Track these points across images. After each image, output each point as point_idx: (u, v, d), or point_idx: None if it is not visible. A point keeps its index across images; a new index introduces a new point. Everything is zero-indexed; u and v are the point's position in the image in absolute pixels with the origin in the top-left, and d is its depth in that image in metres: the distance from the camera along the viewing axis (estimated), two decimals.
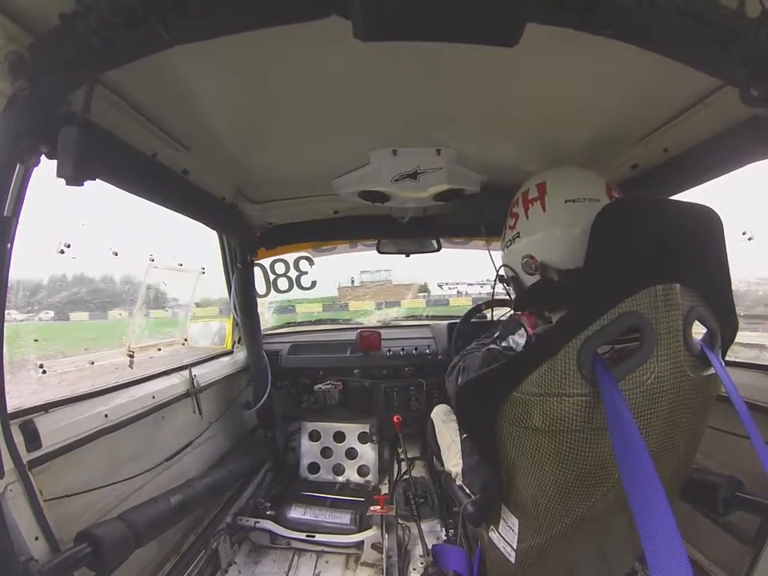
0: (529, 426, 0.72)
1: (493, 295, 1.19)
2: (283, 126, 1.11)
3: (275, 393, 2.12)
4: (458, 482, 1.29)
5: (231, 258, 1.91)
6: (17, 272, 0.80)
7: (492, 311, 1.32)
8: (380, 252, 2.09)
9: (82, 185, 0.74)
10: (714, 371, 0.73)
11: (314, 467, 2.20)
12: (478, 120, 1.10)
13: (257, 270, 2.02)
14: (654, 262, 0.69)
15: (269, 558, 1.65)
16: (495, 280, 1.09)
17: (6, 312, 0.80)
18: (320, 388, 2.22)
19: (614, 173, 1.29)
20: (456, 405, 0.84)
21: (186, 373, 1.64)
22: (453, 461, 1.35)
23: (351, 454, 2.19)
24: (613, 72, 0.87)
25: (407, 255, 2.14)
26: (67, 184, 0.73)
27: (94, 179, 0.77)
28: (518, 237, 0.90)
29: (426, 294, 4.90)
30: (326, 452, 2.21)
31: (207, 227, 1.66)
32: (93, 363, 1.75)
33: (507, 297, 1.50)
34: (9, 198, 0.72)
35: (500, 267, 1.02)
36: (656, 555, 0.48)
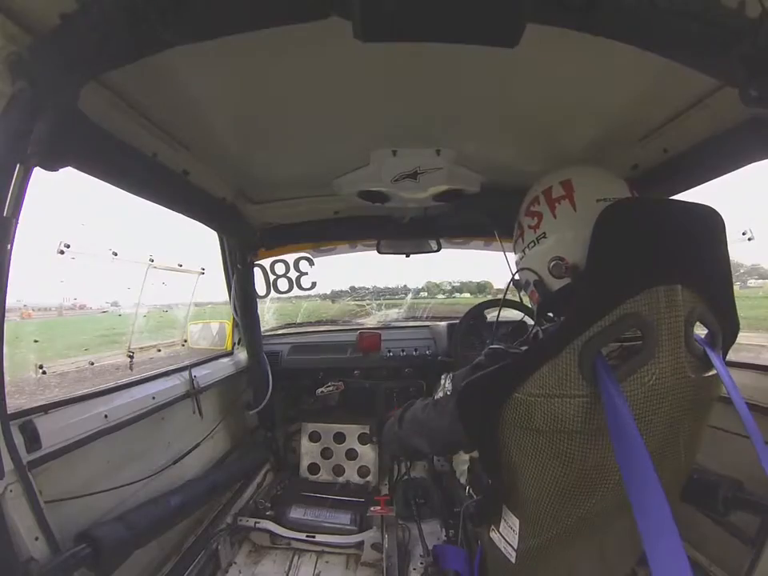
0: (530, 427, 0.72)
1: (504, 295, 1.17)
2: (283, 127, 1.11)
3: (275, 394, 2.12)
4: (462, 480, 1.29)
5: (231, 258, 1.91)
6: None
7: (499, 312, 1.30)
8: (380, 252, 2.09)
9: (56, 170, 0.78)
10: (714, 372, 0.73)
11: (314, 468, 2.20)
12: (478, 120, 1.10)
13: (257, 271, 2.01)
14: (655, 263, 0.68)
15: (269, 559, 1.65)
16: (510, 281, 1.04)
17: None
18: (322, 392, 2.20)
19: (614, 173, 1.29)
20: (457, 406, 0.84)
21: (185, 374, 1.64)
22: (461, 457, 1.34)
23: (351, 454, 2.19)
24: (613, 72, 0.87)
25: (407, 255, 2.14)
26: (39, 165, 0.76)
27: (56, 169, 0.78)
28: (544, 237, 0.84)
29: None
30: (326, 453, 2.21)
31: (208, 228, 1.66)
32: None
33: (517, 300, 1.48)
34: (9, 199, 0.72)
35: (517, 271, 0.95)
36: (656, 556, 0.48)
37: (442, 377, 0.92)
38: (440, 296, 3.61)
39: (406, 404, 1.12)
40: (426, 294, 3.52)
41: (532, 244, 0.87)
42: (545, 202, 0.85)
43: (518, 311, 1.92)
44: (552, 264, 0.82)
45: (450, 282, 3.74)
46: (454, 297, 3.70)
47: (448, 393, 0.87)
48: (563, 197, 0.82)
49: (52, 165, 0.76)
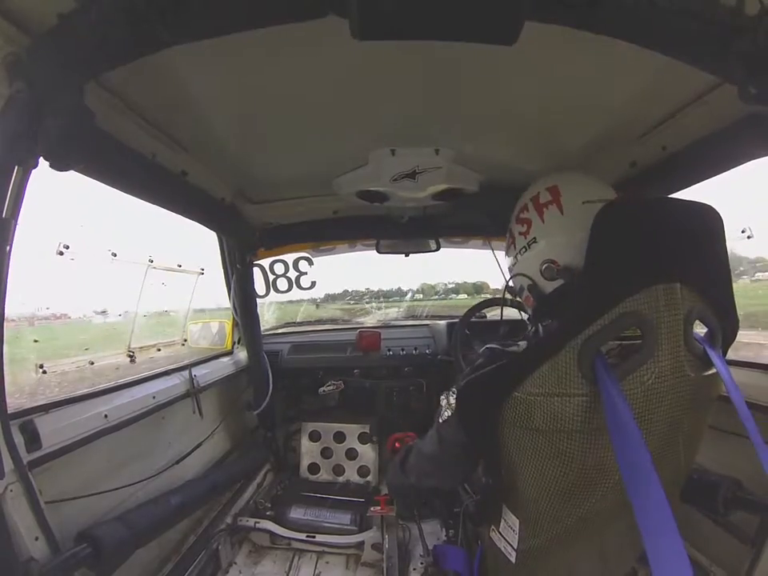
0: (530, 427, 0.72)
1: (503, 296, 1.17)
2: (282, 126, 1.11)
3: (275, 393, 2.13)
4: None
5: (231, 258, 1.91)
6: None
7: (502, 311, 1.30)
8: (379, 252, 2.09)
9: (65, 170, 0.78)
10: (714, 371, 0.73)
11: (314, 467, 2.20)
12: (477, 119, 1.10)
13: (256, 271, 2.02)
14: (654, 262, 0.68)
15: (269, 559, 1.65)
16: (506, 284, 1.04)
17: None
18: (324, 391, 2.20)
19: (612, 171, 1.29)
20: (456, 405, 0.84)
21: (185, 373, 1.64)
22: None
23: (351, 454, 2.19)
24: (611, 70, 0.87)
25: (406, 255, 2.14)
26: (51, 167, 0.76)
27: (66, 169, 0.78)
28: (534, 242, 0.86)
29: None
30: (326, 452, 2.21)
31: (206, 231, 1.66)
32: None
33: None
34: (7, 200, 0.72)
35: (511, 278, 0.96)
36: (657, 555, 0.48)
37: (441, 397, 0.91)
38: (435, 297, 3.60)
39: (403, 451, 1.08)
40: (421, 296, 3.51)
41: (523, 250, 0.89)
42: (533, 208, 0.87)
43: (516, 310, 1.92)
44: (544, 267, 0.84)
45: (446, 284, 3.75)
46: (450, 298, 3.71)
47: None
48: (550, 202, 0.84)
49: (59, 165, 0.77)
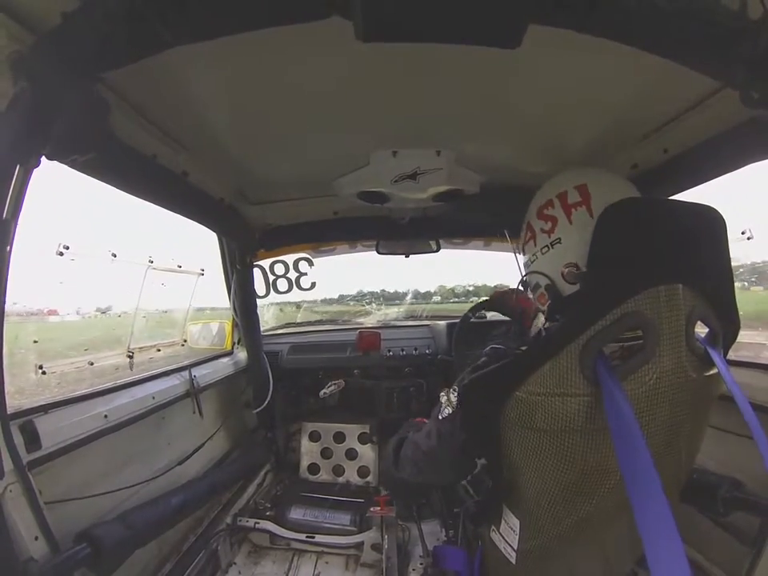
0: (531, 426, 0.72)
1: (517, 288, 1.16)
2: (283, 127, 1.11)
3: (275, 393, 2.13)
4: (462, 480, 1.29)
5: (231, 259, 1.91)
6: None
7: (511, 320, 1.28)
8: (379, 253, 2.09)
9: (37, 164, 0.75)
10: (715, 371, 0.73)
11: (314, 468, 2.20)
12: (478, 121, 1.10)
13: (256, 271, 2.01)
14: (656, 263, 0.69)
15: (269, 559, 1.65)
16: (522, 278, 1.00)
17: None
18: (325, 393, 2.18)
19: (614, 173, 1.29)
20: (459, 403, 0.84)
21: (185, 373, 1.64)
22: None
23: (351, 454, 2.19)
24: (613, 72, 0.87)
25: (407, 256, 2.14)
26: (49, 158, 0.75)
27: (53, 160, 0.78)
28: (558, 242, 0.82)
29: None
30: (326, 452, 2.21)
31: (207, 229, 1.66)
32: None
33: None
34: (8, 200, 0.71)
35: (527, 274, 0.94)
36: (656, 556, 0.48)
37: (441, 393, 0.90)
38: (455, 300, 3.47)
39: (395, 442, 1.07)
40: (438, 298, 3.41)
41: (545, 249, 0.85)
42: (560, 206, 0.83)
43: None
44: (566, 270, 0.81)
45: (465, 286, 3.60)
46: (470, 302, 3.60)
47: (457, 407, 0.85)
48: (579, 203, 0.80)
49: (60, 161, 0.77)
